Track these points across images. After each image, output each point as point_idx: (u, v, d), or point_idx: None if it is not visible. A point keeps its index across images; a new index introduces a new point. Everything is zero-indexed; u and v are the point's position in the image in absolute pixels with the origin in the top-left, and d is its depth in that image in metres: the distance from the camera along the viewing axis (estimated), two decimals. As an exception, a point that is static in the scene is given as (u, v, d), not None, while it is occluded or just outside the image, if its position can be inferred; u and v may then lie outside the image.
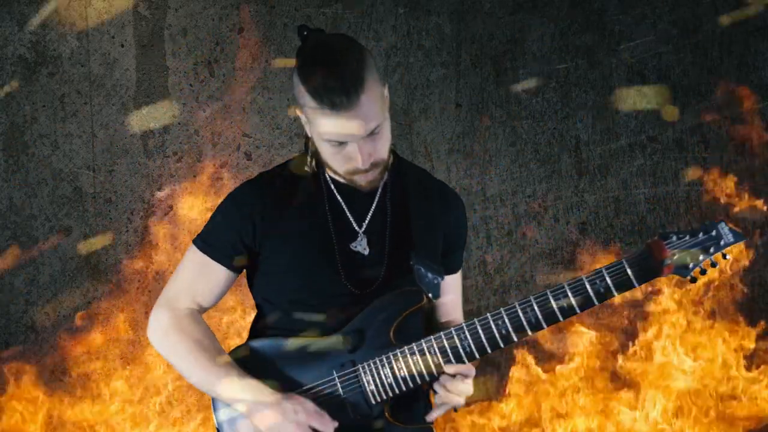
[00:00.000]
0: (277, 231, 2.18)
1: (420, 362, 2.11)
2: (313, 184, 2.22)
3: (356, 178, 2.13)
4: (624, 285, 2.03)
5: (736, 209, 3.84)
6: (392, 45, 3.84)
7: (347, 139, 2.05)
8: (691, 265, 2.02)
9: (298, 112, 2.13)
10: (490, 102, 3.88)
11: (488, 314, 2.10)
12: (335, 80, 2.00)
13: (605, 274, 2.04)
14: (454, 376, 2.11)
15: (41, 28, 3.69)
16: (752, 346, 3.77)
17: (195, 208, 3.74)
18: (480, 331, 2.09)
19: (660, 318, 3.75)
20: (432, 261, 2.20)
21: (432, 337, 2.12)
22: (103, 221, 3.72)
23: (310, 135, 2.15)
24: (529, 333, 2.08)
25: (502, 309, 2.09)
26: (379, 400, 2.13)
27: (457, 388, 2.12)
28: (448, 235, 2.28)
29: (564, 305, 2.05)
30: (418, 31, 3.85)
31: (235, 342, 3.62)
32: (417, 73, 3.85)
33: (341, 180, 2.18)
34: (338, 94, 1.99)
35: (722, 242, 2.01)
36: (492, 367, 3.80)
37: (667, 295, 3.76)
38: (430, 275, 2.17)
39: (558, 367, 3.80)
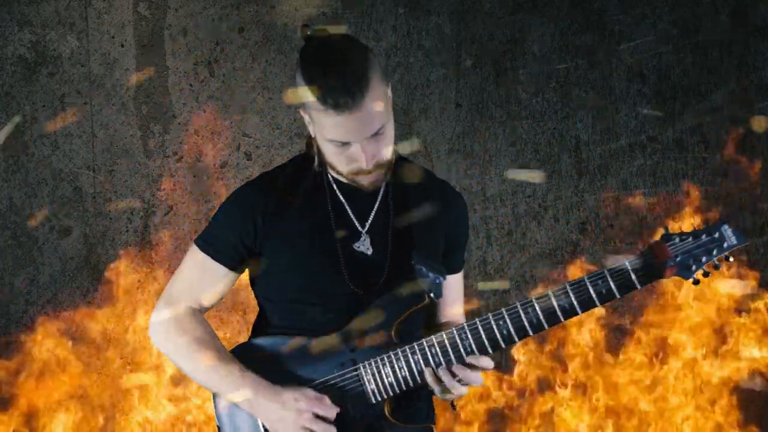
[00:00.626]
0: (279, 231, 2.18)
1: (421, 362, 2.11)
2: (315, 184, 2.22)
3: (359, 179, 2.13)
4: (626, 286, 2.03)
5: (736, 210, 3.85)
6: (392, 45, 3.84)
7: (351, 140, 2.05)
8: (693, 267, 2.01)
9: (301, 113, 2.13)
10: (490, 102, 3.88)
11: (489, 314, 2.09)
12: (339, 81, 2.00)
13: (607, 276, 2.04)
14: (470, 366, 2.11)
15: (41, 28, 3.68)
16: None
17: (195, 208, 3.74)
18: (481, 331, 2.09)
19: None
20: (434, 260, 2.20)
21: (433, 336, 2.12)
22: (103, 221, 3.72)
23: (313, 135, 2.15)
24: (531, 333, 2.08)
25: (503, 309, 2.09)
26: (379, 399, 2.13)
27: (468, 377, 2.11)
28: (450, 234, 2.28)
29: (566, 306, 2.05)
30: (418, 31, 3.85)
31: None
32: (417, 73, 3.86)
33: (343, 180, 2.18)
34: (342, 94, 1.98)
35: (725, 244, 2.00)
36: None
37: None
38: (431, 275, 2.17)
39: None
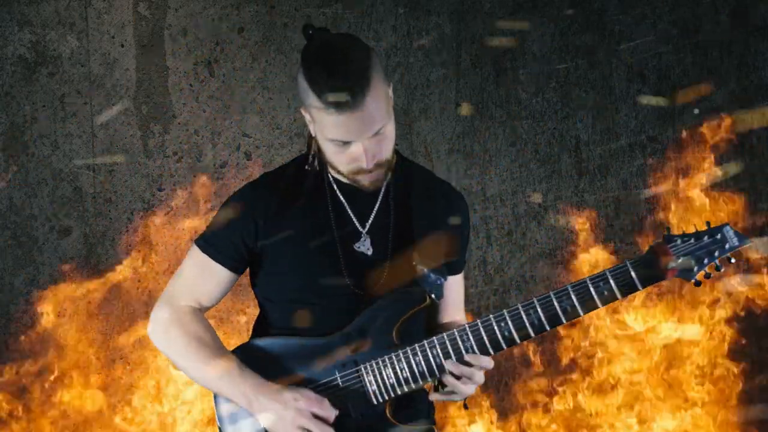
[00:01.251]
0: (280, 231, 2.19)
1: (422, 363, 2.11)
2: (316, 184, 2.23)
3: (360, 178, 2.13)
4: (628, 288, 2.03)
5: (736, 210, 3.85)
6: (392, 45, 3.84)
7: (352, 139, 2.05)
8: (695, 269, 2.02)
9: (302, 112, 2.13)
10: (490, 102, 3.88)
11: (491, 316, 2.10)
12: (341, 80, 2.00)
13: (609, 277, 2.04)
14: (471, 366, 2.11)
15: (41, 28, 3.68)
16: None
17: (195, 208, 3.74)
18: (483, 333, 2.10)
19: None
20: (435, 261, 2.20)
21: (435, 338, 2.12)
22: (103, 221, 3.71)
23: (314, 134, 2.15)
24: (532, 335, 2.08)
25: (504, 310, 2.09)
26: (381, 400, 2.13)
27: (472, 375, 2.11)
28: (451, 235, 2.28)
29: (567, 307, 2.06)
30: (418, 31, 3.85)
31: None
32: (417, 73, 3.85)
33: (344, 180, 2.18)
34: (344, 94, 1.99)
35: (727, 246, 2.01)
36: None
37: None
38: (433, 276, 2.17)
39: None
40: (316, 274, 2.17)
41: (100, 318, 3.70)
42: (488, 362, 2.11)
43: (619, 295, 2.03)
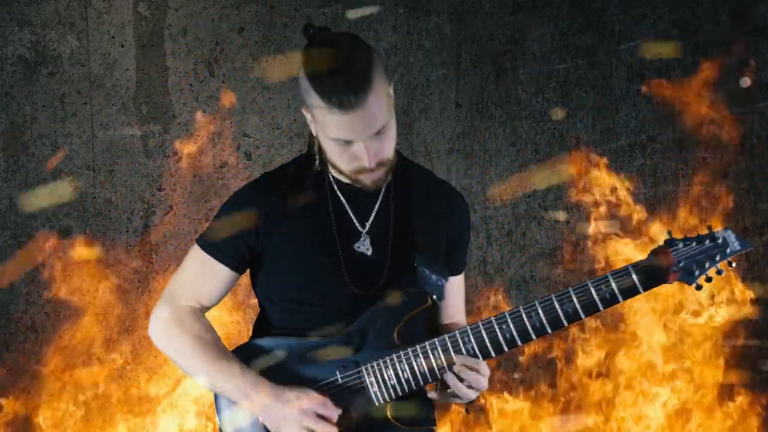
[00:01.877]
0: (280, 231, 2.18)
1: (423, 364, 2.11)
2: (316, 184, 2.22)
3: (361, 178, 2.13)
4: (629, 291, 2.03)
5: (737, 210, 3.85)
6: (392, 45, 3.84)
7: (354, 138, 2.05)
8: (696, 273, 2.02)
9: (303, 111, 2.13)
10: (490, 102, 3.88)
11: (492, 318, 2.10)
12: (343, 80, 2.00)
13: (611, 280, 2.04)
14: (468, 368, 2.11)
15: (41, 28, 3.68)
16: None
17: (195, 208, 3.74)
18: (484, 335, 2.09)
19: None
20: (436, 262, 2.20)
21: (436, 339, 2.12)
22: (103, 221, 3.71)
23: (315, 134, 2.15)
24: (534, 337, 2.08)
25: (506, 313, 2.09)
26: (381, 401, 2.13)
27: (474, 379, 2.11)
28: (452, 235, 2.28)
29: (569, 310, 2.06)
30: (418, 31, 3.85)
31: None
32: (417, 73, 3.85)
33: (344, 180, 2.18)
34: (346, 93, 1.99)
35: (728, 250, 2.01)
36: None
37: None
38: (434, 277, 2.17)
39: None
40: (316, 274, 2.17)
41: (101, 318, 3.70)
42: (485, 368, 2.12)
43: (620, 299, 2.04)
